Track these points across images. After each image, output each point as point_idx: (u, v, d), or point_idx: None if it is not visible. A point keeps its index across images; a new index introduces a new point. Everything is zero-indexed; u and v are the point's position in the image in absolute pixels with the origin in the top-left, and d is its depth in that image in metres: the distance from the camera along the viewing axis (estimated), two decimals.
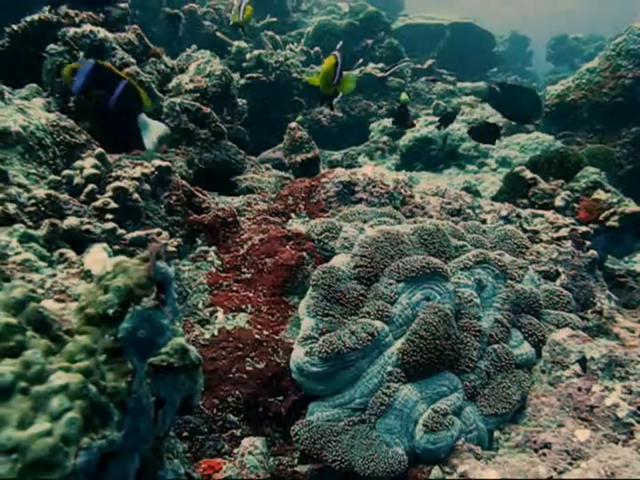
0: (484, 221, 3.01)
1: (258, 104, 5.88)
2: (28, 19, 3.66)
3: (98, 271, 1.51)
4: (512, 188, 3.52)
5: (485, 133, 4.12)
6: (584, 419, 1.87)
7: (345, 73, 2.96)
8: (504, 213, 3.02)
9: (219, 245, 2.54)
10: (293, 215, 2.90)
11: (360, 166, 5.86)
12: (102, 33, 3.10)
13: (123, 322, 1.02)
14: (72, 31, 3.08)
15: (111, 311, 1.01)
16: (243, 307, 2.30)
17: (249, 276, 2.42)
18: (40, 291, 1.45)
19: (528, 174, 3.51)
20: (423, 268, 2.17)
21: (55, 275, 1.53)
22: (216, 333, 2.18)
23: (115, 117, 2.78)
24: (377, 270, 2.24)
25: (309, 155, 3.69)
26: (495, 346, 2.19)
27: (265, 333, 2.22)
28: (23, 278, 1.51)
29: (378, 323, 2.08)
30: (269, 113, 5.98)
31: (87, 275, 1.53)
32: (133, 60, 3.17)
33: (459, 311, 2.21)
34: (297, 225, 2.83)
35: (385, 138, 5.96)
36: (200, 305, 2.30)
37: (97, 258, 1.55)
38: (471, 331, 2.17)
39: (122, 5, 3.77)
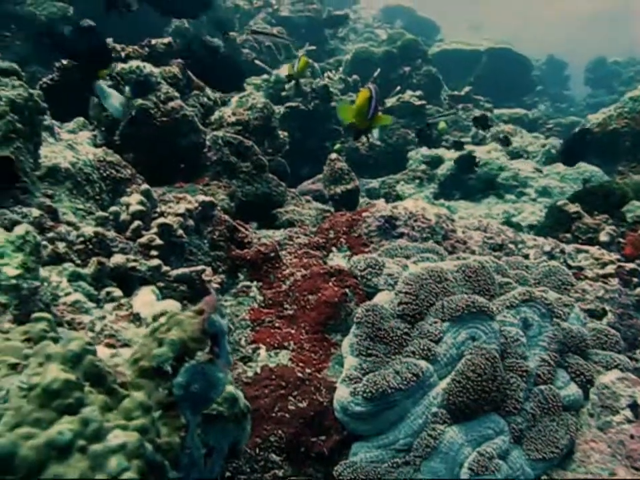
0: (526, 256, 2.97)
1: (296, 132, 5.92)
2: None
3: (146, 314, 1.53)
4: (555, 222, 3.47)
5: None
6: (638, 468, 1.81)
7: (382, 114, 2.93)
8: (547, 248, 2.98)
9: (261, 280, 2.55)
10: (334, 248, 2.89)
11: (398, 194, 5.85)
12: (148, 68, 3.17)
13: (178, 376, 1.02)
14: (120, 66, 3.16)
15: (166, 366, 1.01)
16: (285, 344, 2.29)
17: (291, 312, 2.42)
18: (90, 334, 1.46)
19: (571, 207, 3.46)
20: (468, 307, 2.14)
21: (104, 317, 1.55)
22: (258, 370, 2.17)
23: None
24: (421, 308, 2.22)
25: (349, 187, 3.69)
26: (542, 387, 2.15)
27: (308, 371, 2.21)
28: (73, 320, 1.53)
29: (423, 363, 2.06)
30: (307, 141, 6.02)
31: (135, 318, 1.54)
32: (177, 94, 3.23)
33: (504, 350, 2.17)
34: (338, 259, 2.83)
35: (423, 166, 5.95)
36: (242, 342, 2.31)
37: (146, 301, 1.57)
38: (518, 371, 2.13)
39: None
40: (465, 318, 2.14)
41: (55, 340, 1.14)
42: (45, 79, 3.88)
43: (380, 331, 2.18)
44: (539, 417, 2.08)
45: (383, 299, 2.33)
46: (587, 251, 2.97)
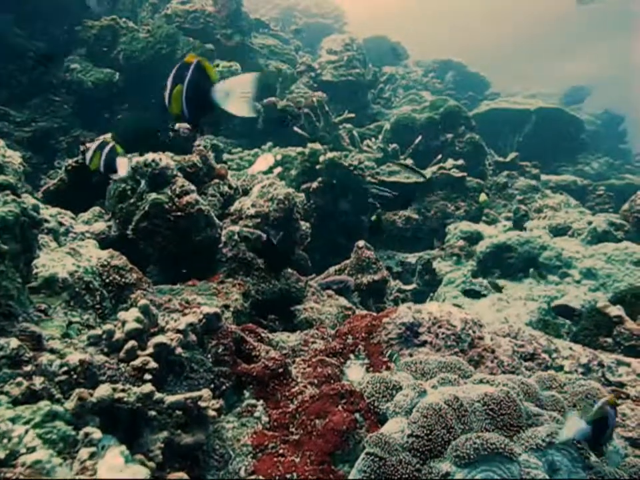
0: (561, 367, 2.73)
1: (329, 205, 5.81)
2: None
3: None
4: (594, 325, 3.20)
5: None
6: None
7: None
8: (584, 360, 2.72)
9: (267, 399, 2.37)
10: (351, 355, 2.72)
11: (434, 270, 5.65)
12: (164, 161, 3.08)
13: None
14: (134, 160, 3.08)
15: None
16: (288, 476, 2.10)
17: (296, 437, 2.23)
18: None
19: (613, 311, 3.20)
20: (483, 448, 1.92)
21: None
22: None
23: None
24: (435, 444, 2.01)
25: (376, 277, 3.52)
26: None
27: None
28: None
29: None
30: (340, 215, 5.88)
31: None
32: (192, 187, 3.12)
33: None
34: (355, 367, 2.65)
35: (461, 242, 5.72)
36: (242, 472, 2.12)
37: (113, 465, 1.41)
38: None
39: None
40: (479, 460, 1.92)
41: None
42: (50, 184, 3.72)
43: (388, 467, 1.97)
44: None
45: (394, 427, 2.12)
46: (628, 364, 2.71)
